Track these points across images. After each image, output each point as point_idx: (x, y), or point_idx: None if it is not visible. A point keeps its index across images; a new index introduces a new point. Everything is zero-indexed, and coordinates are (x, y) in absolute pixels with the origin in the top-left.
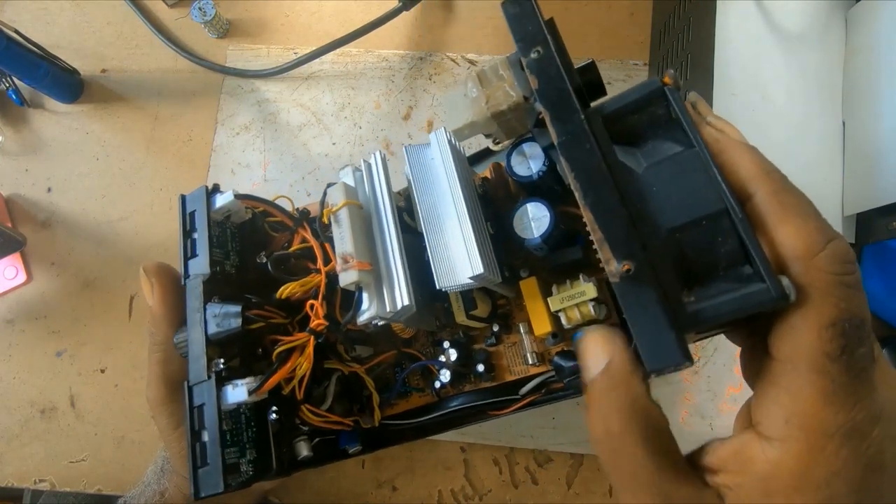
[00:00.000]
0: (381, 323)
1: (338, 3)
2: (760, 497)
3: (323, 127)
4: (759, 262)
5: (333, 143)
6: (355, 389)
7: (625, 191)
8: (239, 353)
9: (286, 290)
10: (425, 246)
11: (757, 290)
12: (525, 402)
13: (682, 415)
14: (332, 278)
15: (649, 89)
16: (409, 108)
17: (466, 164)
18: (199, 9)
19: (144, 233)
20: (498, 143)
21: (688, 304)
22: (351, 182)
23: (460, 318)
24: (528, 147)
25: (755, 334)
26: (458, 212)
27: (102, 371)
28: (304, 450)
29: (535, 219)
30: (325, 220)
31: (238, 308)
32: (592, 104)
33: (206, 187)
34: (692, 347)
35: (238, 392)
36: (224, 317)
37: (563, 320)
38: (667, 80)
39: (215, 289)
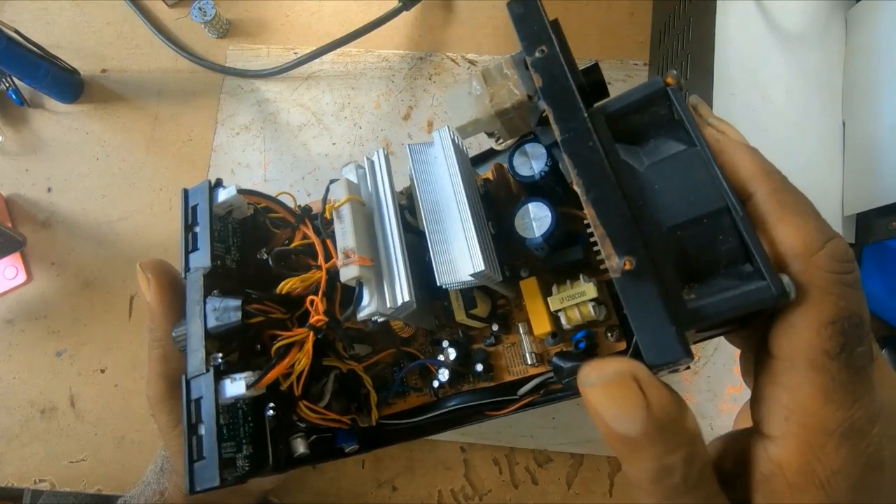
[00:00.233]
0: (380, 320)
1: (338, 3)
2: (763, 495)
3: (323, 127)
4: (760, 259)
5: (333, 143)
6: (353, 388)
7: (627, 188)
8: (238, 347)
9: (286, 286)
10: (427, 244)
11: (757, 287)
12: (523, 402)
13: None
14: (333, 275)
15: (652, 89)
16: (409, 108)
17: (469, 162)
18: (199, 9)
19: (144, 233)
20: (500, 142)
21: (688, 300)
22: (354, 179)
23: (460, 316)
24: (530, 147)
25: (754, 335)
26: (461, 209)
27: (102, 371)
28: (300, 447)
29: (536, 218)
30: (328, 215)
31: (238, 302)
32: (595, 104)
33: (210, 181)
34: (692, 349)
35: (236, 386)
36: (224, 310)
37: (563, 320)
38: (669, 80)
39: (216, 283)
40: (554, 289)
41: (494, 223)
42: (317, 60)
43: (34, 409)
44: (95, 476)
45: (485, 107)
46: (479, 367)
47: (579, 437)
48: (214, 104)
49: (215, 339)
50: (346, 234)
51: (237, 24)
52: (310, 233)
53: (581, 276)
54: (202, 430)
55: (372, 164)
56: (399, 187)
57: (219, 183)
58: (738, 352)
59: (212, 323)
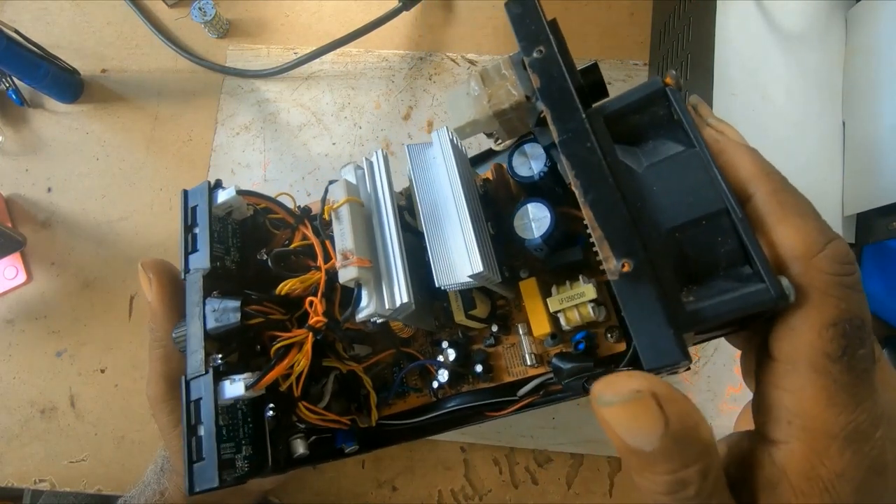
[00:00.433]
0: (379, 321)
1: (338, 3)
2: (768, 500)
3: (323, 127)
4: (759, 261)
5: (333, 143)
6: (353, 388)
7: (625, 189)
8: (237, 348)
9: (286, 287)
10: (426, 244)
11: (756, 290)
12: (523, 403)
13: None
14: (332, 276)
15: (651, 89)
16: (409, 108)
17: (468, 163)
18: (199, 9)
19: (144, 233)
20: (499, 143)
21: (687, 303)
22: (353, 179)
23: (459, 317)
24: (529, 147)
25: (755, 336)
26: (459, 210)
27: (102, 371)
28: (300, 447)
29: (535, 219)
30: (327, 216)
31: (237, 303)
32: (594, 105)
33: (209, 182)
34: (692, 349)
35: (235, 387)
36: (223, 311)
37: (563, 321)
38: (668, 80)
39: (215, 284)
40: (553, 290)
41: (494, 224)
42: (317, 60)
43: (34, 409)
44: (95, 476)
45: (483, 107)
46: (479, 368)
47: (579, 437)
48: (214, 104)
49: (215, 340)
50: (344, 236)
51: (237, 24)
52: (309, 234)
53: (581, 277)
54: (201, 431)
55: (371, 164)
56: (399, 188)
57: (218, 184)
58: (738, 351)
59: (211, 324)
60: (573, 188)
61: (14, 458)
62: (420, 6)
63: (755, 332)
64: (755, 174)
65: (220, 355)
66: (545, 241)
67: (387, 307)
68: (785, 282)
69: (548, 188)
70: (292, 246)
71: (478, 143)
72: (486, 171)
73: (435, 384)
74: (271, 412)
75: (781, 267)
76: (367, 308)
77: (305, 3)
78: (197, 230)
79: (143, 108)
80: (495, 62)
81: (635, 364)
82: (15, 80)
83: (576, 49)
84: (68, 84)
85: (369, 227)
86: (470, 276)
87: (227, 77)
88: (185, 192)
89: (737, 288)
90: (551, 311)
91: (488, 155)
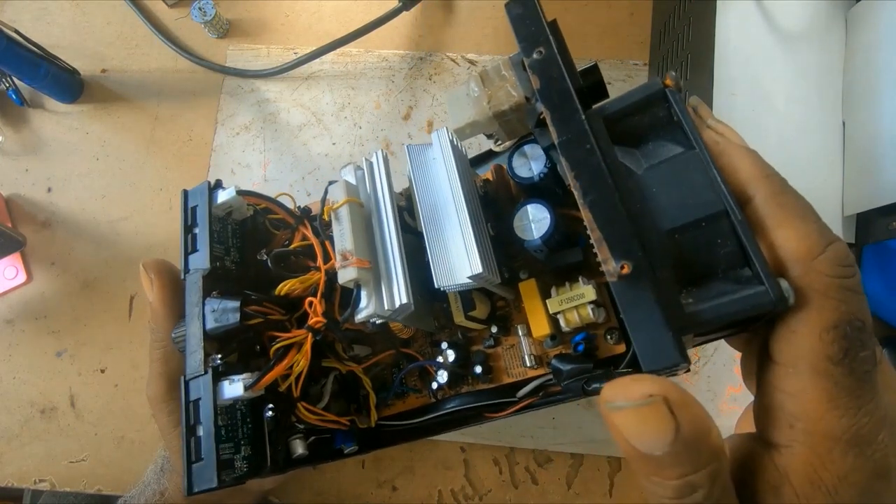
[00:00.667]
0: (379, 321)
1: (338, 3)
2: None
3: (323, 127)
4: (758, 264)
5: (333, 143)
6: (352, 389)
7: (624, 191)
8: (237, 348)
9: (285, 287)
10: (425, 245)
11: (755, 292)
12: (522, 404)
13: None
14: (332, 276)
15: (650, 91)
16: (409, 108)
17: (468, 164)
18: (199, 9)
19: (144, 233)
20: (499, 144)
21: (686, 305)
22: (352, 180)
23: (458, 318)
24: (529, 148)
25: (755, 339)
26: (459, 211)
27: (102, 371)
28: (299, 448)
29: (535, 220)
30: (326, 217)
31: (237, 303)
32: (594, 106)
33: (209, 182)
34: (691, 350)
35: (234, 387)
36: (222, 312)
37: (562, 322)
38: (668, 81)
39: (215, 284)
40: (553, 291)
41: (493, 224)
42: (317, 60)
43: (34, 409)
44: (95, 476)
45: (482, 108)
46: (478, 369)
47: (579, 437)
48: (214, 104)
49: (214, 340)
50: (343, 236)
51: (237, 24)
52: (309, 234)
53: (580, 279)
54: (200, 432)
55: (371, 165)
56: (399, 188)
57: (218, 184)
58: (738, 352)
59: (210, 324)
60: (572, 189)
61: (14, 458)
62: (420, 6)
63: (755, 334)
64: (755, 176)
65: (219, 355)
66: (545, 243)
67: (386, 308)
68: (784, 284)
69: (548, 189)
70: (292, 246)
71: (478, 144)
72: (486, 172)
73: (434, 385)
74: (270, 412)
75: (781, 269)
76: (366, 309)
77: (305, 3)
78: (197, 230)
79: (143, 108)
80: (495, 63)
81: (635, 366)
82: (15, 80)
83: (576, 49)
84: (68, 84)
85: (369, 227)
86: (469, 278)
87: (227, 77)
88: (185, 193)
89: (736, 290)
90: (551, 312)
91: (488, 156)
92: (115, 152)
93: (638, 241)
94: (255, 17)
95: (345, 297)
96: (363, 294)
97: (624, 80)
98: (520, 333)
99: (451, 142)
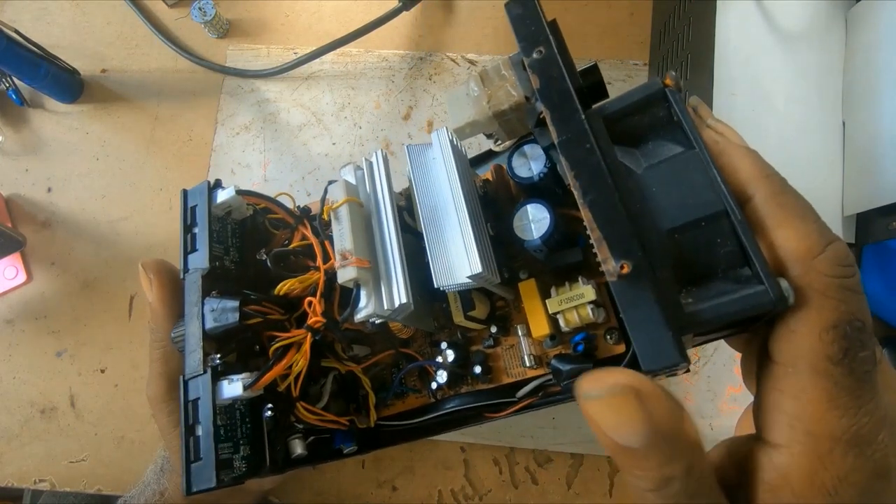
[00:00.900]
0: (378, 321)
1: (338, 3)
2: None
3: (323, 127)
4: (758, 263)
5: (333, 143)
6: (352, 389)
7: (624, 191)
8: (236, 348)
9: (285, 287)
10: (425, 245)
11: (755, 292)
12: (522, 405)
13: None
14: (331, 276)
15: (650, 90)
16: (409, 108)
17: (468, 164)
18: (199, 9)
19: (144, 233)
20: (499, 144)
21: (686, 304)
22: (352, 180)
23: (458, 318)
24: (529, 148)
25: (755, 339)
26: (458, 211)
27: (102, 371)
28: (298, 448)
29: (535, 220)
30: (326, 216)
31: (236, 303)
32: (594, 106)
33: (209, 182)
34: (691, 351)
35: (233, 387)
36: (222, 311)
37: (562, 323)
38: (668, 81)
39: (214, 284)
40: (553, 291)
41: (493, 224)
42: (317, 60)
43: (34, 409)
44: (95, 476)
45: (482, 108)
46: (478, 369)
47: (579, 437)
48: (214, 104)
49: (213, 339)
50: (343, 236)
51: (237, 24)
52: (308, 234)
53: (580, 279)
54: (199, 431)
55: (370, 165)
56: (399, 188)
57: (218, 184)
58: (738, 353)
59: (209, 324)
60: (572, 189)
61: (14, 458)
62: (420, 6)
63: (755, 334)
64: (755, 176)
65: (218, 355)
66: (544, 243)
67: (385, 308)
68: (784, 284)
69: (547, 189)
70: (291, 246)
71: (478, 144)
72: (486, 172)
73: (434, 385)
74: (270, 412)
75: (781, 269)
76: (365, 309)
77: (305, 3)
78: (196, 230)
79: (143, 108)
80: (495, 63)
81: (635, 366)
82: (15, 80)
83: (576, 49)
84: (68, 84)
85: (368, 227)
86: (469, 277)
87: (227, 77)
88: (185, 192)
89: (736, 290)
90: (550, 312)
91: (488, 155)
92: (115, 152)
93: (638, 240)
94: (255, 17)
95: (344, 297)
96: (363, 294)
97: (624, 80)
98: (519, 333)
99: (451, 142)
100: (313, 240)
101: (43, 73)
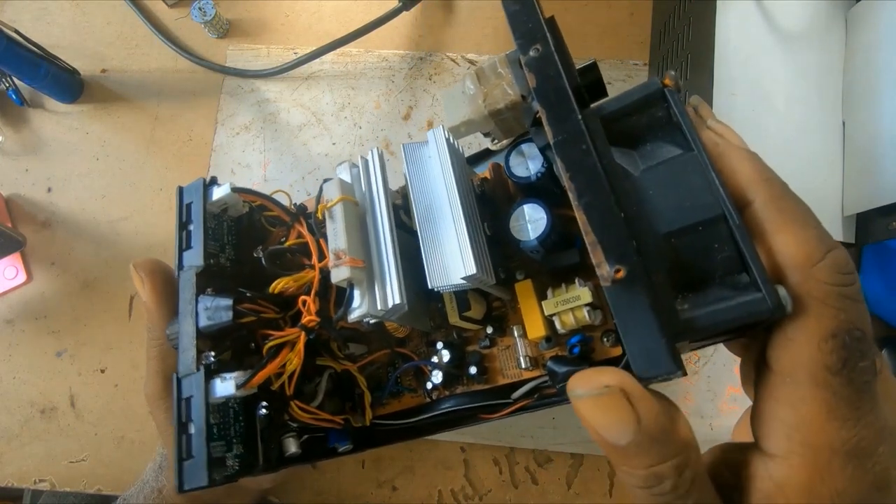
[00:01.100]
0: (372, 321)
1: (338, 3)
2: None
3: (323, 127)
4: (756, 270)
5: (333, 143)
6: (347, 387)
7: (620, 193)
8: (231, 346)
9: (279, 285)
10: (420, 245)
11: (752, 299)
12: (516, 406)
13: None
14: (326, 275)
15: (649, 91)
16: (409, 108)
17: (464, 162)
18: (199, 9)
19: (144, 233)
20: (496, 143)
21: (681, 311)
22: (347, 178)
23: (454, 318)
24: (527, 147)
25: (754, 345)
26: (454, 211)
27: (102, 371)
28: (292, 446)
29: (531, 221)
30: (320, 215)
31: (229, 301)
32: (592, 105)
33: (204, 179)
34: (690, 354)
35: (226, 385)
36: (215, 310)
37: (558, 324)
38: (667, 81)
39: (209, 281)
40: (549, 292)
41: (490, 224)
42: (317, 60)
43: (34, 409)
44: (95, 476)
45: (478, 107)
46: (473, 370)
47: (579, 437)
48: (214, 104)
49: (207, 338)
50: (337, 235)
51: (237, 24)
52: (304, 232)
53: (577, 280)
54: (192, 429)
55: (366, 163)
56: (397, 187)
57: (213, 181)
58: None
59: (203, 322)
60: (567, 191)
61: (14, 458)
62: (420, 6)
63: (754, 339)
64: (755, 180)
65: (212, 353)
66: (541, 244)
67: (379, 308)
68: (782, 291)
69: (545, 189)
70: (287, 244)
71: (477, 142)
72: (485, 171)
73: (429, 385)
74: (264, 411)
75: (780, 276)
76: (359, 308)
77: (305, 3)
78: (191, 227)
79: (143, 108)
80: (491, 61)
81: (630, 370)
82: (15, 80)
83: (575, 49)
84: (68, 84)
85: (363, 226)
86: (463, 279)
87: (227, 77)
88: (181, 189)
89: (733, 297)
90: (546, 313)
91: (486, 154)
92: (115, 152)
93: (633, 244)
94: (255, 17)
95: (340, 296)
96: (356, 293)
97: (624, 80)
98: (516, 335)
99: (447, 140)
100: (309, 238)
101: (43, 73)
